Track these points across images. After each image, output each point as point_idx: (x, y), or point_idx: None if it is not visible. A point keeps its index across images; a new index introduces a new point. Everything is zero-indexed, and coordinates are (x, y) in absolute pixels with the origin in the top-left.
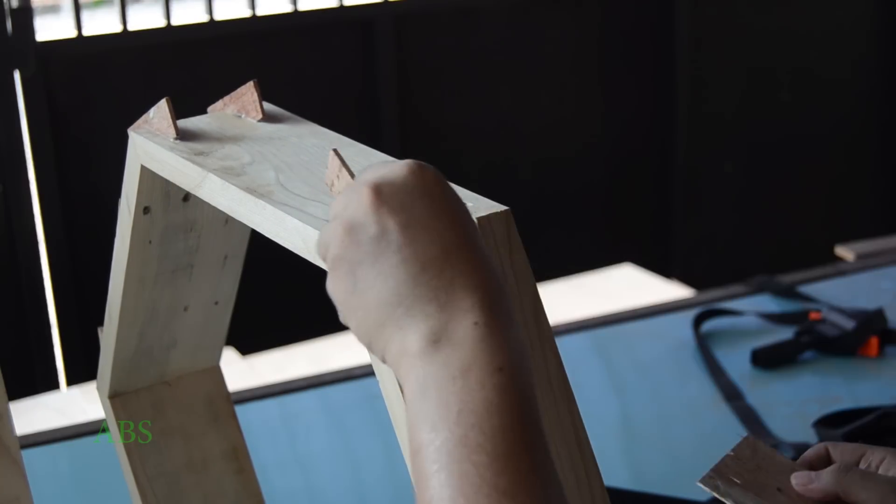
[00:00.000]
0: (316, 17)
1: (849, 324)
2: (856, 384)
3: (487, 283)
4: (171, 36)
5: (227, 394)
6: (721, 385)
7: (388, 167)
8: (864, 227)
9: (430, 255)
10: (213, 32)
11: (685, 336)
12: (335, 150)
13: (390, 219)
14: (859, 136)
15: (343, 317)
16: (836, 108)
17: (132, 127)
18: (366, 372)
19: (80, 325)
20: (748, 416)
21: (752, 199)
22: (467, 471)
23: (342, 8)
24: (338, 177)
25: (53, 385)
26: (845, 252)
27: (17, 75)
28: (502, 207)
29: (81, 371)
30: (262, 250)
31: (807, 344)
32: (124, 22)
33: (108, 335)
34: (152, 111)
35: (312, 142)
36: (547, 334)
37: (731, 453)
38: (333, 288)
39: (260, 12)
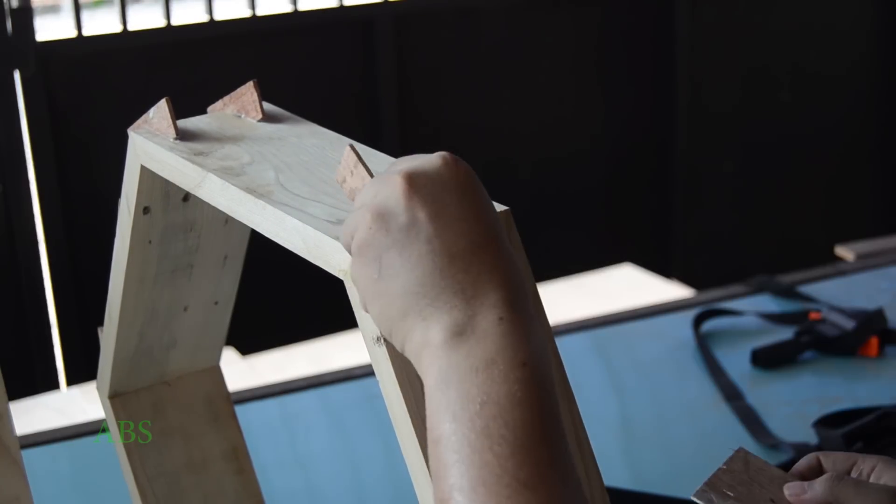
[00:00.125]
0: (316, 17)
1: (849, 324)
2: (856, 384)
3: (511, 281)
4: (170, 36)
5: (227, 394)
6: (721, 385)
7: (422, 158)
8: (864, 227)
9: (458, 249)
10: (213, 32)
11: (685, 336)
12: (352, 146)
13: (422, 209)
14: (859, 135)
15: (364, 303)
16: (835, 108)
17: (132, 127)
18: (366, 372)
19: (80, 325)
20: (748, 416)
21: (751, 198)
22: (488, 461)
23: (342, 8)
24: (352, 173)
25: (53, 385)
26: (845, 252)
27: (17, 75)
28: (502, 207)
29: (81, 371)
30: (262, 250)
31: (807, 344)
32: (124, 22)
33: (108, 335)
34: (152, 111)
35: (312, 142)
36: (547, 334)
37: (724, 466)
38: (358, 273)
39: (260, 12)
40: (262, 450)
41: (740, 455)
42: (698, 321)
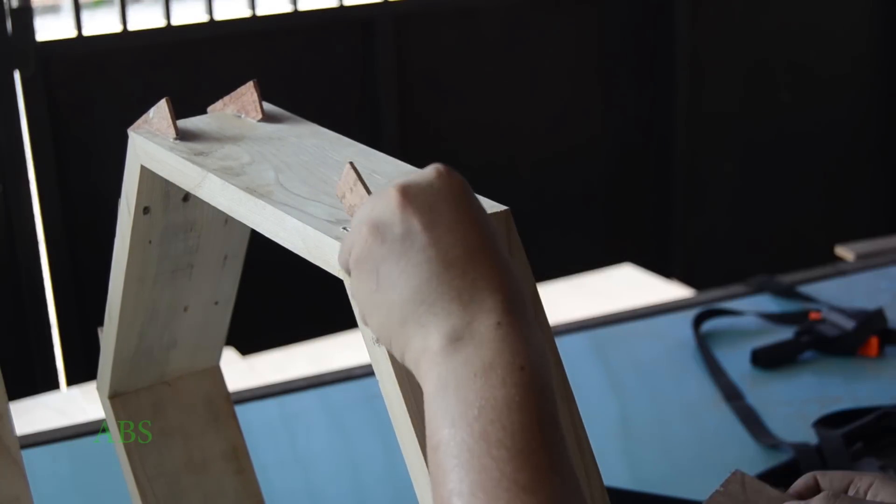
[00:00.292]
0: (316, 17)
1: (849, 324)
2: (856, 384)
3: (508, 286)
4: (171, 36)
5: (227, 394)
6: (721, 385)
7: (416, 173)
8: (864, 227)
9: (453, 256)
10: (213, 32)
11: (685, 336)
12: (352, 164)
13: (415, 218)
14: (859, 135)
15: (364, 317)
16: (835, 108)
17: (132, 127)
18: (366, 372)
19: (80, 325)
20: (748, 416)
21: (751, 198)
22: (487, 465)
23: (342, 8)
24: (351, 190)
25: (53, 385)
26: (845, 252)
27: (17, 75)
28: (502, 207)
29: (81, 371)
30: (262, 250)
31: (807, 344)
32: (124, 22)
33: (108, 335)
34: (152, 111)
35: (312, 142)
36: (547, 334)
37: (721, 489)
38: (356, 289)
39: (260, 12)
40: (262, 450)
41: (737, 477)
42: (698, 321)
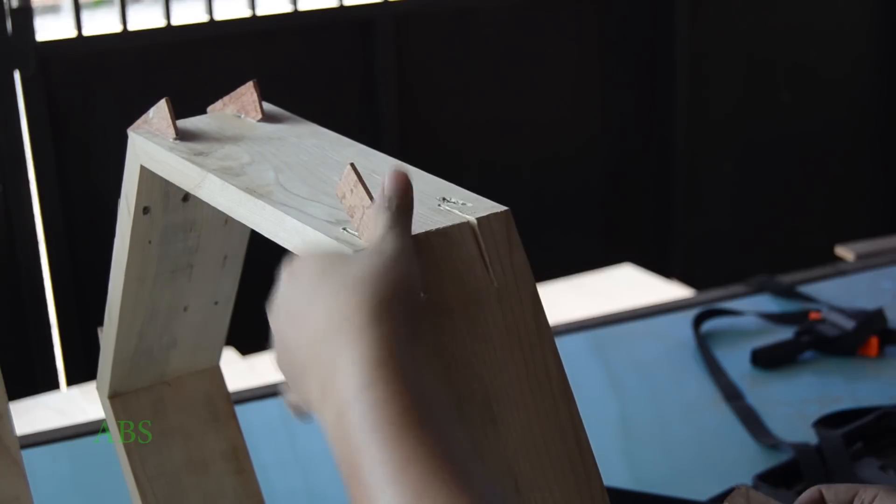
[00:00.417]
0: (316, 17)
1: (849, 324)
2: (856, 384)
3: (342, 369)
4: (170, 36)
5: (227, 394)
6: (721, 385)
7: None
8: (864, 227)
9: (300, 357)
10: (213, 32)
11: (685, 336)
12: (353, 165)
13: (275, 328)
14: (859, 135)
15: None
16: (835, 108)
17: (132, 127)
18: None
19: (80, 325)
20: (748, 416)
21: (751, 198)
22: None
23: (342, 8)
24: (351, 191)
25: (53, 385)
26: (845, 252)
27: (17, 75)
28: (502, 207)
29: (81, 371)
30: (262, 250)
31: (807, 344)
32: (124, 22)
33: (107, 335)
34: (152, 111)
35: (312, 142)
36: (547, 334)
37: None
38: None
39: (259, 12)
40: (262, 450)
41: (742, 492)
42: (698, 321)
